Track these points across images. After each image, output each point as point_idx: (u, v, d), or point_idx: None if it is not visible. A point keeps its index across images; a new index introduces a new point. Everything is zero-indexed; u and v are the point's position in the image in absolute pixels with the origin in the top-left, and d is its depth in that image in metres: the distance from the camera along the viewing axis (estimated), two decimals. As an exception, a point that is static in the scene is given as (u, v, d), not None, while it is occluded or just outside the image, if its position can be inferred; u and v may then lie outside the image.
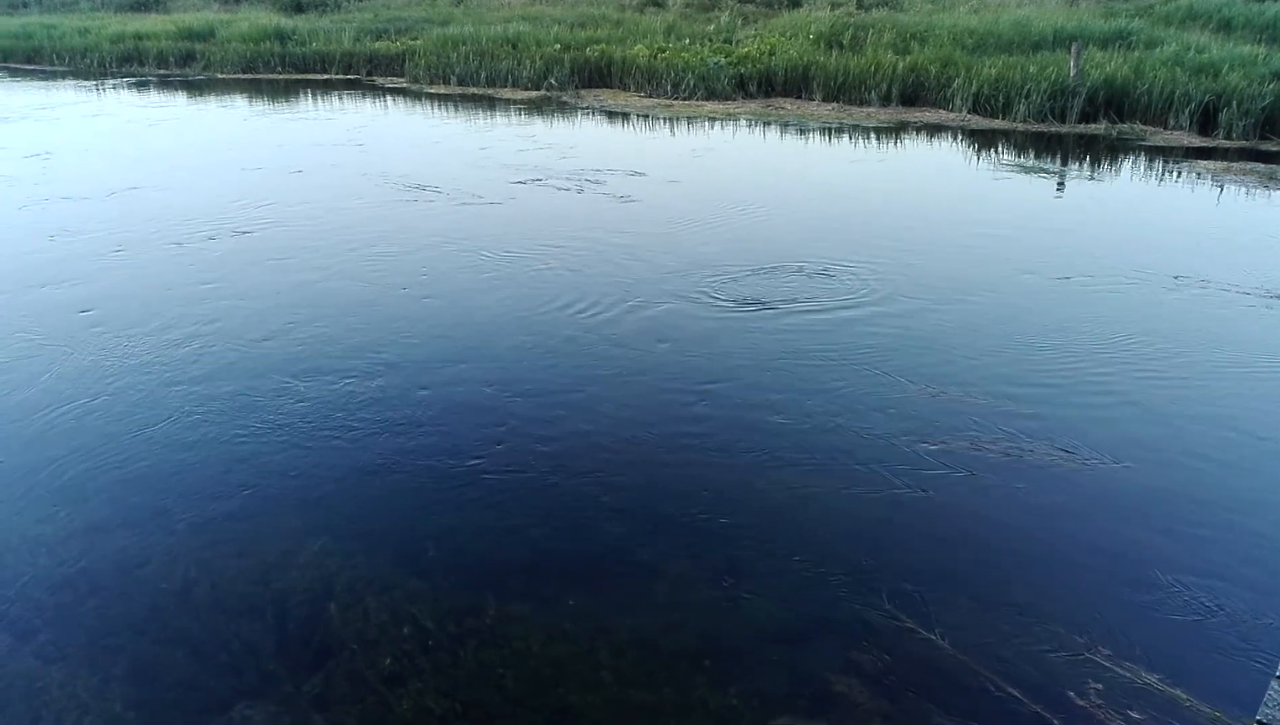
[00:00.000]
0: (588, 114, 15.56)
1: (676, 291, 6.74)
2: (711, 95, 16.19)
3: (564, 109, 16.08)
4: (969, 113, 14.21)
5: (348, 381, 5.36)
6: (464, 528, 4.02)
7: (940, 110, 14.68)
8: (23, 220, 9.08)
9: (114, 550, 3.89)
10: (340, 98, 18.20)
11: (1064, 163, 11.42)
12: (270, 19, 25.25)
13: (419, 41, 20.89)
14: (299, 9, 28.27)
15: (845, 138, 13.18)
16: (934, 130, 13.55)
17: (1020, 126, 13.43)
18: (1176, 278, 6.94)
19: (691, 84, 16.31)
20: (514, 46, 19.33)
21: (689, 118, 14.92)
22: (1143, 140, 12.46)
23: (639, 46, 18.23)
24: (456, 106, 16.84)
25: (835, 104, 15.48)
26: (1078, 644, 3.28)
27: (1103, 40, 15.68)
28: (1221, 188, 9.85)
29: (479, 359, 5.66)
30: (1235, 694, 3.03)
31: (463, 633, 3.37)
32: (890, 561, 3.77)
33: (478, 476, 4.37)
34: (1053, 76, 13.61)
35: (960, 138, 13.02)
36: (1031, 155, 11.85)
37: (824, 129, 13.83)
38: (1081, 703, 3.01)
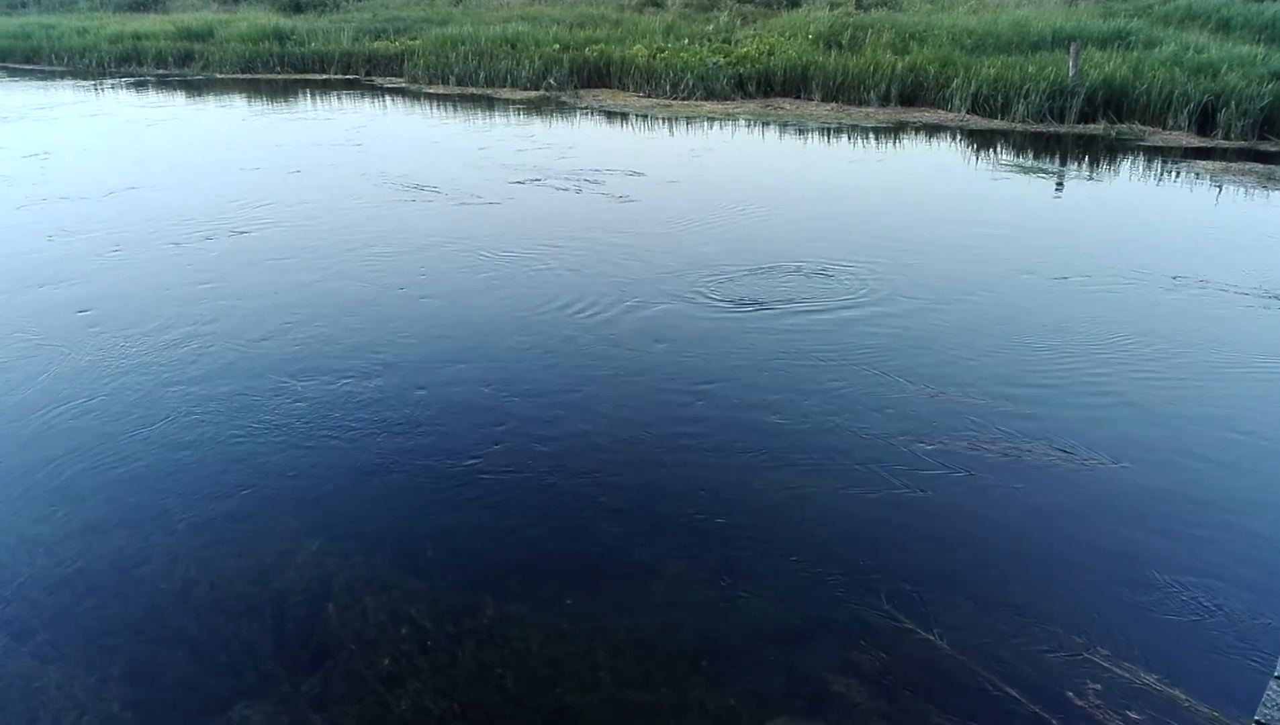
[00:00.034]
0: (586, 114, 15.56)
1: (675, 291, 6.74)
2: (710, 95, 16.20)
3: (563, 109, 16.08)
4: (968, 113, 14.21)
5: (346, 381, 5.36)
6: (462, 528, 4.01)
7: (939, 110, 14.68)
8: (21, 220, 9.07)
9: (112, 550, 3.88)
10: (339, 98, 18.20)
11: (1062, 163, 11.42)
12: (269, 19, 25.26)
13: (418, 41, 20.88)
14: (298, 9, 28.27)
15: (844, 138, 13.18)
16: (933, 130, 13.55)
17: (1019, 126, 13.43)
18: (1175, 278, 6.95)
19: (690, 84, 16.32)
20: (513, 46, 19.33)
21: (688, 118, 14.92)
22: (1141, 140, 12.47)
23: (638, 46, 18.23)
24: (455, 106, 16.84)
25: (834, 104, 15.48)
26: (1076, 644, 3.28)
27: (1101, 40, 15.69)
28: (1220, 188, 9.85)
29: (477, 359, 5.66)
30: (1233, 694, 3.03)
31: (461, 633, 3.37)
32: (888, 561, 3.77)
33: (476, 476, 4.37)
34: (1051, 77, 13.62)
35: (959, 138, 13.03)
36: (1030, 155, 11.85)
37: (823, 129, 13.83)
38: (1080, 703, 3.01)
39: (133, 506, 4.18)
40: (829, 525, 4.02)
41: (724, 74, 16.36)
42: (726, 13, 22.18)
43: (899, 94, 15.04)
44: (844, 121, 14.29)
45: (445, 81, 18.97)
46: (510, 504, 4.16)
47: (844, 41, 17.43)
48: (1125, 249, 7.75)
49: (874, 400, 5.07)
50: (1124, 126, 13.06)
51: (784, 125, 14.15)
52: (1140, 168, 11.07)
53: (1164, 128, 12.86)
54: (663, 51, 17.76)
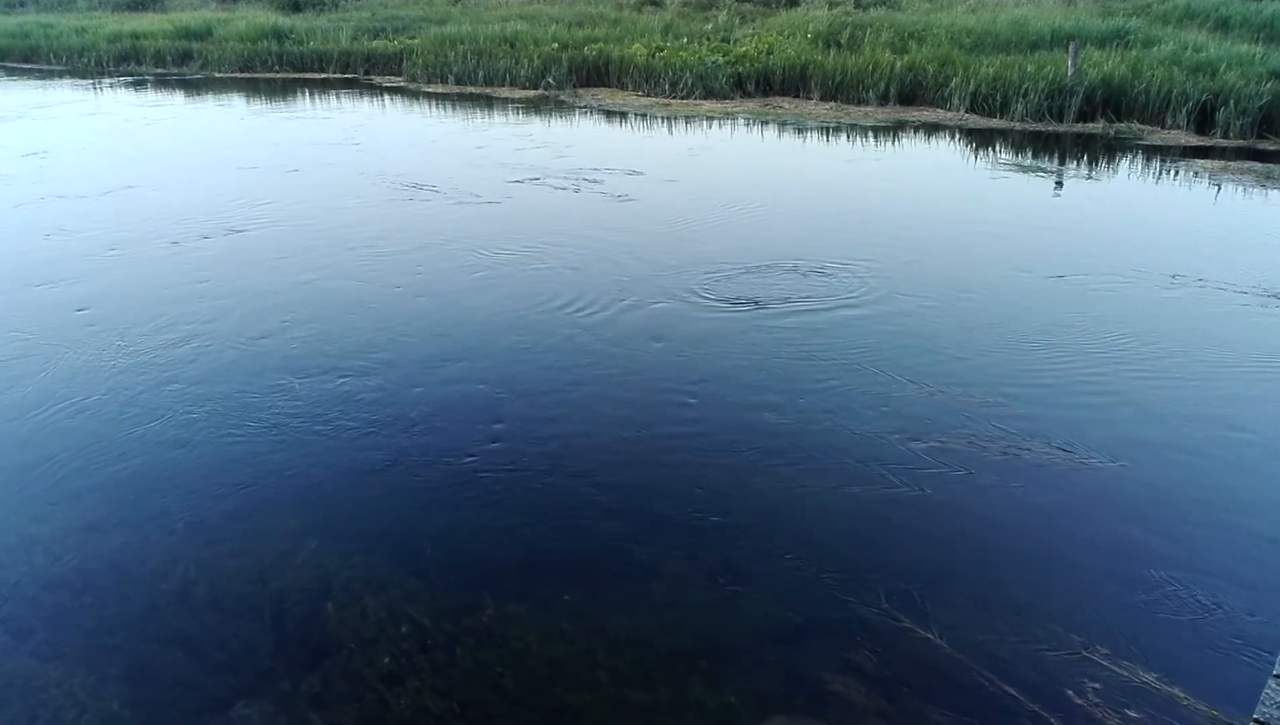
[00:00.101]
0: (585, 113, 15.55)
1: (674, 290, 6.74)
2: (709, 94, 16.19)
3: (561, 108, 16.07)
4: (966, 112, 14.21)
5: (345, 381, 5.36)
6: (461, 527, 4.01)
7: (938, 109, 14.68)
8: (19, 219, 9.07)
9: (111, 549, 3.88)
10: (337, 97, 18.18)
11: (1061, 162, 11.43)
12: (267, 18, 25.22)
13: (416, 40, 20.87)
14: (296, 8, 28.23)
15: (843, 137, 13.18)
16: (931, 129, 13.55)
17: (1018, 126, 13.43)
18: (1173, 277, 6.95)
19: (689, 83, 16.31)
20: (511, 45, 19.32)
21: (687, 117, 14.92)
22: (1140, 139, 12.47)
23: (637, 45, 18.22)
24: (454, 105, 16.83)
25: (833, 103, 15.48)
26: (1075, 643, 3.28)
27: (1100, 39, 15.69)
28: (1218, 187, 9.86)
29: (476, 358, 5.66)
30: (1232, 692, 3.03)
31: (460, 632, 3.37)
32: (887, 560, 3.77)
33: (475, 476, 4.37)
34: (1050, 76, 13.62)
35: (958, 137, 13.03)
36: (1029, 154, 11.85)
37: (821, 128, 13.83)
38: (1079, 701, 3.01)
39: (131, 505, 4.18)
40: (828, 524, 4.02)
41: (723, 73, 16.36)
42: (725, 12, 22.17)
43: (898, 93, 15.03)
44: (843, 120, 14.29)
45: (444, 80, 18.95)
46: (509, 503, 4.16)
47: (843, 40, 17.43)
48: (1124, 248, 7.75)
49: (873, 399, 5.07)
50: (1122, 125, 13.06)
51: (783, 124, 14.15)
52: (1139, 167, 11.08)
53: (1162, 127, 12.86)
54: (661, 50, 17.75)
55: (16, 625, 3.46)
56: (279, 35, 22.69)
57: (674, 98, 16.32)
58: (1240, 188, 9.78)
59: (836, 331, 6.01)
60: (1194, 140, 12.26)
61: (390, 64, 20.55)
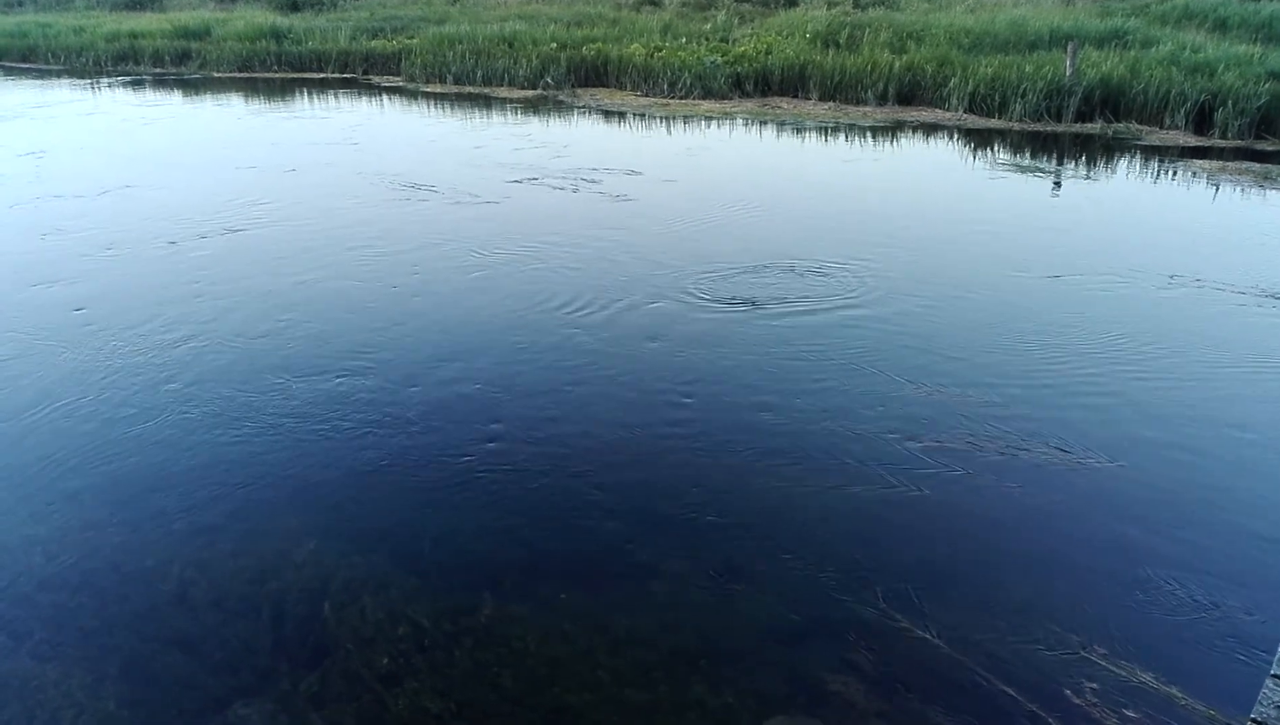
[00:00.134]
0: (584, 113, 15.55)
1: (673, 290, 6.74)
2: (708, 94, 16.19)
3: (560, 108, 16.07)
4: (965, 112, 14.22)
5: (343, 380, 5.36)
6: (460, 527, 4.01)
7: (936, 109, 14.69)
8: (16, 219, 9.05)
9: (109, 549, 3.88)
10: (336, 96, 18.17)
11: (1060, 162, 11.44)
12: (266, 17, 25.21)
13: (415, 40, 20.86)
14: (295, 8, 28.21)
15: (841, 137, 13.19)
16: (930, 129, 13.56)
17: (1016, 126, 13.44)
18: (1171, 277, 6.96)
19: (688, 83, 16.30)
20: (510, 45, 19.31)
21: (685, 117, 14.92)
22: (1138, 139, 12.48)
23: (635, 45, 18.22)
24: (452, 105, 16.82)
25: (831, 103, 15.48)
26: (1073, 642, 3.29)
27: (1098, 39, 15.71)
28: (1217, 187, 9.87)
29: (475, 358, 5.66)
30: (1230, 692, 3.04)
31: (459, 631, 3.37)
32: (886, 560, 3.77)
33: (474, 475, 4.37)
34: (1049, 76, 13.63)
35: (956, 137, 13.03)
36: (1027, 154, 11.86)
37: (820, 128, 13.84)
38: (1077, 701, 3.02)
39: (129, 505, 4.18)
40: (827, 524, 4.03)
41: (721, 73, 16.36)
42: (724, 12, 22.17)
43: (896, 93, 15.04)
44: (841, 121, 14.29)
45: (442, 80, 18.94)
46: (508, 503, 4.16)
47: (841, 41, 17.43)
48: (1122, 248, 7.76)
49: (871, 399, 5.08)
50: (1121, 126, 13.07)
51: (781, 124, 14.16)
52: (1137, 167, 11.09)
53: (1161, 127, 12.88)
54: (660, 50, 17.75)
55: (14, 625, 3.45)
56: (277, 35, 22.67)
57: (672, 98, 16.32)
58: (1238, 188, 9.80)
59: (835, 331, 6.01)
60: (1192, 140, 12.27)
61: (389, 64, 20.54)
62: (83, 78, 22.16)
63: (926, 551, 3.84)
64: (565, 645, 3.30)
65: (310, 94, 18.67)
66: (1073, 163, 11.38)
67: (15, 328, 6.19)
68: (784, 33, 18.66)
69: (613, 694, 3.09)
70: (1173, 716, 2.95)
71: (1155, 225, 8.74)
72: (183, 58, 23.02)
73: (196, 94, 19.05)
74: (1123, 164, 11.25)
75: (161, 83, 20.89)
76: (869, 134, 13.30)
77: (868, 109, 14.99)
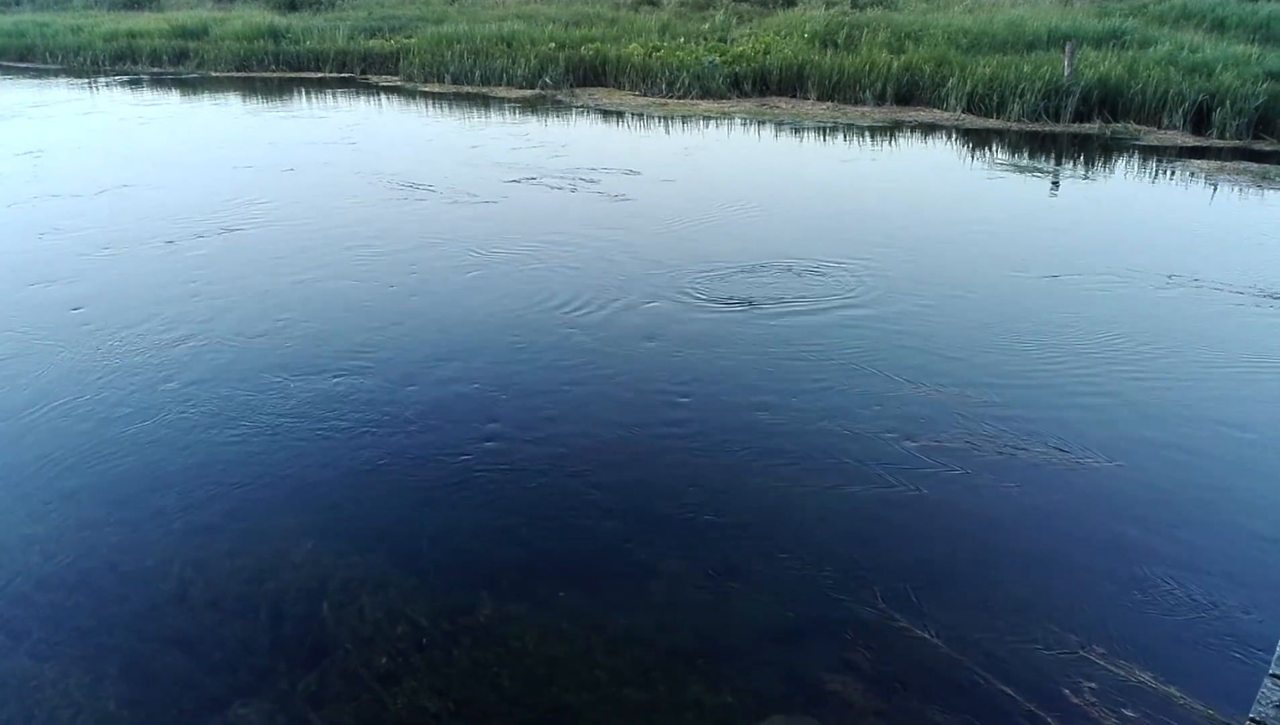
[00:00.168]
0: (582, 113, 15.54)
1: (671, 290, 6.74)
2: (706, 94, 16.19)
3: (558, 108, 16.06)
4: (963, 112, 14.23)
5: (341, 380, 5.35)
6: (458, 526, 4.01)
7: (935, 109, 14.70)
8: (13, 218, 9.04)
9: (107, 549, 3.87)
10: (334, 96, 18.16)
11: (1058, 162, 11.45)
12: (264, 17, 25.19)
13: (413, 40, 20.85)
14: (293, 7, 28.19)
15: (840, 137, 13.19)
16: (928, 129, 13.56)
17: (1014, 126, 13.45)
18: (1169, 277, 6.96)
19: (686, 83, 16.31)
20: (508, 45, 19.30)
21: (684, 116, 14.92)
22: (1136, 140, 12.50)
23: (634, 45, 18.22)
24: (450, 105, 16.81)
25: (830, 103, 15.49)
26: (1072, 642, 3.29)
27: (1097, 40, 15.72)
28: (1215, 187, 9.88)
29: (473, 357, 5.65)
30: (1229, 691, 3.04)
31: (457, 631, 3.37)
32: (884, 560, 3.77)
33: (472, 475, 4.36)
34: (1047, 76, 13.64)
35: (954, 137, 13.04)
36: (1025, 154, 11.87)
37: (819, 128, 13.84)
38: (1076, 700, 3.02)
39: (128, 505, 4.17)
40: (825, 523, 4.03)
41: (719, 73, 16.36)
42: (722, 11, 22.17)
43: (894, 93, 15.04)
44: (839, 120, 14.30)
45: (440, 80, 18.93)
46: (506, 502, 4.15)
47: (840, 40, 17.44)
48: (1120, 248, 7.76)
49: (869, 398, 5.08)
50: (1119, 126, 13.09)
51: (779, 124, 14.16)
52: (1135, 167, 11.10)
53: (1159, 127, 12.89)
54: (658, 50, 17.75)
55: (12, 625, 3.45)
56: (275, 34, 22.66)
57: (671, 97, 16.32)
58: (1236, 188, 9.81)
59: (833, 331, 6.01)
60: (1190, 140, 12.28)
61: (387, 63, 20.52)
62: (80, 77, 22.13)
63: (925, 551, 3.84)
64: (563, 644, 3.30)
65: (308, 93, 18.66)
66: (1071, 163, 11.39)
67: (13, 327, 6.18)
68: (782, 33, 18.67)
69: (611, 693, 3.09)
70: (1171, 716, 2.95)
71: (1153, 225, 8.75)
72: (180, 57, 23.01)
73: (194, 93, 19.02)
74: (1120, 164, 11.26)
75: (159, 82, 20.86)
76: (867, 134, 13.30)
77: (866, 109, 14.99)
